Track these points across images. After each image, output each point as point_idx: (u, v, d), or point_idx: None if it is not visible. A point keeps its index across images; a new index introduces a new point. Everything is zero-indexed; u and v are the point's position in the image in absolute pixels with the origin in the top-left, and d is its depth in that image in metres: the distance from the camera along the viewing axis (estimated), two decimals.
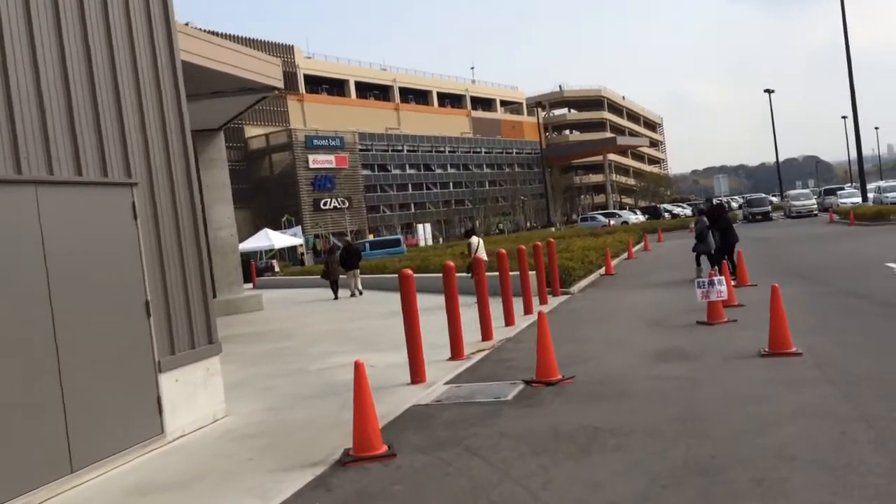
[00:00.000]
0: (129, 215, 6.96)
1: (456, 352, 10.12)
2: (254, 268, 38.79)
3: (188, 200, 7.87)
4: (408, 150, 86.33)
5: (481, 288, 11.71)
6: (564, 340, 10.66)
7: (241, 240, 52.64)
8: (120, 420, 6.59)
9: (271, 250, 46.57)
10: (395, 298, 17.95)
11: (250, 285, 37.20)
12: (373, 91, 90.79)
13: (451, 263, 11.37)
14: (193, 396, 7.49)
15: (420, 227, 66.19)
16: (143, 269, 7.02)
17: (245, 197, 70.60)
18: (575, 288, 17.41)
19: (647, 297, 14.93)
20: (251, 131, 73.18)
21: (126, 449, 6.60)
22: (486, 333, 11.56)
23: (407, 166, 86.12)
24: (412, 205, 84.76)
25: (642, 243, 32.18)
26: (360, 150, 78.27)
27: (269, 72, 16.66)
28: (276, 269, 44.18)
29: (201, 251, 7.92)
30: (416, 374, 8.76)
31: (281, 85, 17.63)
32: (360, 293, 23.24)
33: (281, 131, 72.71)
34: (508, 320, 12.85)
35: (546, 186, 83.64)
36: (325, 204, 72.02)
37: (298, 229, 50.63)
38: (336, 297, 22.90)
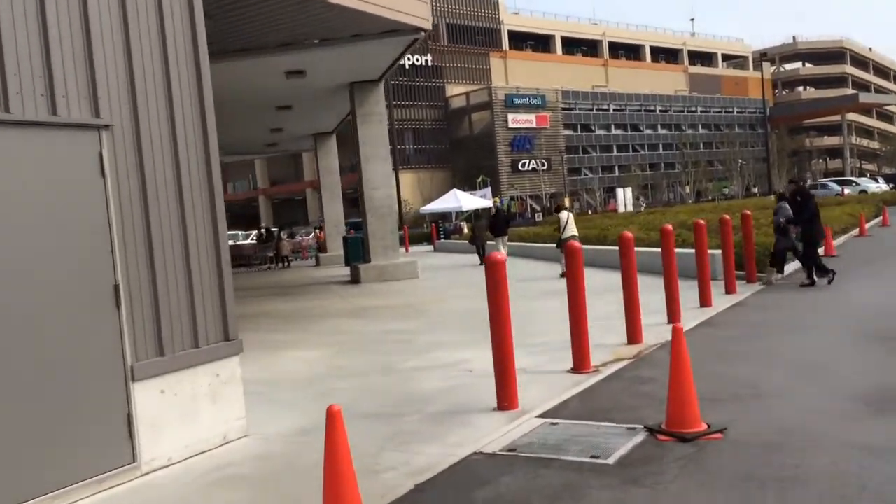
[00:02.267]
0: (93, 170, 5.16)
1: (579, 361, 7.58)
2: (434, 229, 37.63)
3: (200, 149, 5.98)
4: (614, 109, 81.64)
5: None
6: (733, 356, 7.75)
7: (430, 200, 52.20)
8: (70, 446, 4.89)
9: (461, 212, 45.34)
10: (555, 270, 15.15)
11: (431, 247, 36.20)
12: (580, 47, 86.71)
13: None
14: (192, 412, 5.67)
15: (620, 191, 62.11)
16: (112, 244, 5.22)
17: (444, 157, 70.28)
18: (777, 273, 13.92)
19: (873, 295, 11.30)
20: (452, 90, 72.37)
21: (75, 484, 4.89)
22: (633, 334, 8.85)
23: (612, 126, 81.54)
24: (616, 167, 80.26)
25: (880, 217, 26.78)
26: (563, 109, 74.95)
27: (413, 10, 14.62)
28: (465, 231, 42.87)
29: (217, 219, 6.01)
30: (504, 398, 6.38)
31: (429, 26, 15.55)
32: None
33: (481, 89, 71.18)
34: (672, 315, 9.99)
35: (768, 149, 75.56)
36: (523, 165, 69.83)
37: (488, 191, 48.96)
38: (481, 263, 21.57)
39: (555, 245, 17.50)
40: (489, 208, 24.92)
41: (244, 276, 27.43)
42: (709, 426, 5.28)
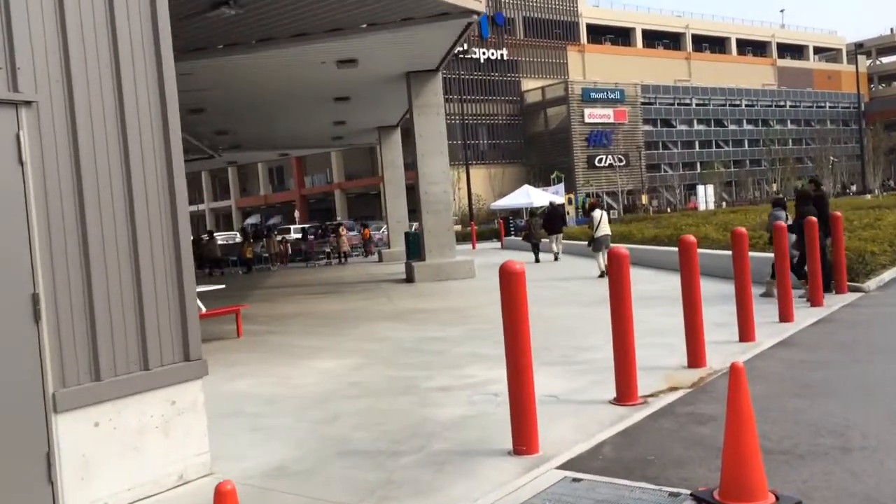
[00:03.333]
0: (8, 155, 4.25)
1: (623, 390, 6.33)
2: (502, 226, 36.42)
3: (158, 132, 5.01)
4: (697, 104, 78.50)
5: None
6: (816, 389, 6.36)
7: (502, 195, 50.93)
8: None
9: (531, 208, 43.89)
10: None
11: (498, 244, 35.06)
12: (661, 40, 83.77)
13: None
14: (137, 448, 4.71)
15: (701, 188, 59.41)
16: (31, 245, 4.31)
17: (518, 152, 68.85)
18: (872, 283, 12.22)
19: None
20: (527, 84, 70.86)
21: None
22: (695, 356, 7.51)
23: (695, 121, 78.43)
24: (697, 164, 77.12)
25: None
26: (642, 103, 72.46)
27: None
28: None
29: (177, 214, 5.05)
30: (520, 439, 5.21)
31: (481, 9, 14.38)
32: (557, 259, 22.42)
33: (557, 84, 69.42)
34: (745, 333, 8.58)
35: (862, 146, 71.15)
36: (599, 161, 67.79)
37: (560, 187, 47.29)
38: (537, 261, 22.20)
39: (586, 243, 18.35)
40: (544, 206, 23.96)
41: (298, 271, 26.88)
42: (777, 498, 3.99)
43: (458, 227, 47.41)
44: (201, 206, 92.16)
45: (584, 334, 9.78)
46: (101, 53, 4.69)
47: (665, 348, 8.38)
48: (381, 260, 28.98)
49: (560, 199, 47.00)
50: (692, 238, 7.72)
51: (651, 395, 6.49)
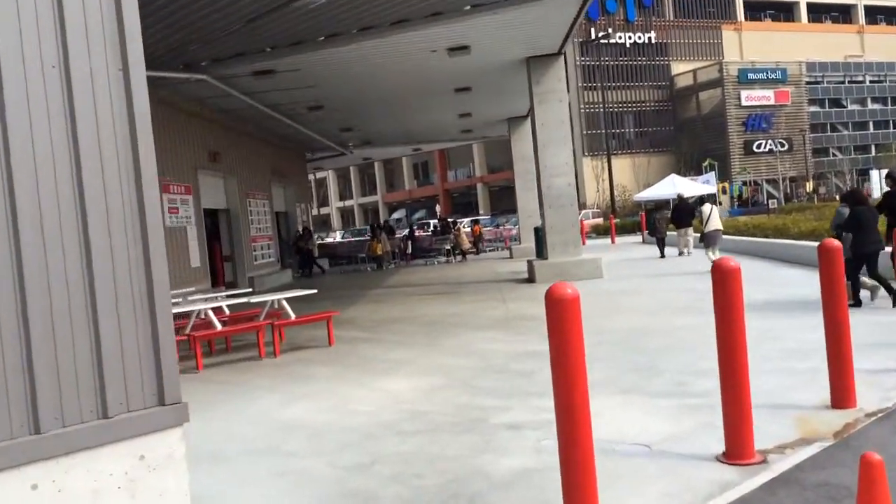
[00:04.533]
0: None
1: (734, 443, 4.88)
2: (643, 218, 34.17)
3: (120, 110, 4.15)
4: (871, 81, 71.53)
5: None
6: None
7: (647, 186, 48.22)
8: None
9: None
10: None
11: (639, 237, 32.97)
12: (829, 13, 76.91)
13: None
14: None
15: (875, 173, 53.75)
16: None
17: (668, 140, 65.35)
18: None
19: None
20: (677, 67, 67.11)
21: None
22: (841, 392, 5.86)
23: (868, 100, 71.53)
24: (871, 147, 70.20)
25: None
26: (807, 82, 66.80)
27: None
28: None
29: (146, 222, 4.15)
30: None
31: None
32: (689, 254, 21.26)
33: (711, 65, 65.24)
34: None
35: None
36: (758, 146, 63.12)
37: (711, 176, 44.13)
38: (662, 256, 21.61)
39: (698, 238, 18.39)
40: (675, 198, 22.09)
41: (420, 270, 26.18)
42: None
43: (600, 221, 45.43)
44: (350, 202, 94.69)
45: (707, 352, 8.21)
46: (47, 44, 3.86)
47: (803, 376, 6.75)
48: (511, 256, 27.82)
49: (711, 188, 43.92)
50: (836, 243, 6.05)
51: (774, 450, 4.99)
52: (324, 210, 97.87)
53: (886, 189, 11.43)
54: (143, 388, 4.08)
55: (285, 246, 27.62)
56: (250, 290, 14.69)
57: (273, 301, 11.31)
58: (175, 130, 17.88)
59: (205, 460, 5.88)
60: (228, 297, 12.74)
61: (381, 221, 41.76)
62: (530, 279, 17.84)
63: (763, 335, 8.77)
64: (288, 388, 8.39)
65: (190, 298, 12.98)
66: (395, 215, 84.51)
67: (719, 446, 5.02)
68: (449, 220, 36.03)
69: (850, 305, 10.24)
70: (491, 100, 23.08)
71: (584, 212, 47.10)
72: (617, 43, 63.90)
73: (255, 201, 23.80)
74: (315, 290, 11.96)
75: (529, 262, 18.39)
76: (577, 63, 61.59)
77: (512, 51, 16.82)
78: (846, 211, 10.55)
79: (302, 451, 5.88)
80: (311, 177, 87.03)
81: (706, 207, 16.84)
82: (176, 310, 11.24)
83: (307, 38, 14.17)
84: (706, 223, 16.46)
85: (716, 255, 16.14)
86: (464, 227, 30.51)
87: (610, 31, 60.57)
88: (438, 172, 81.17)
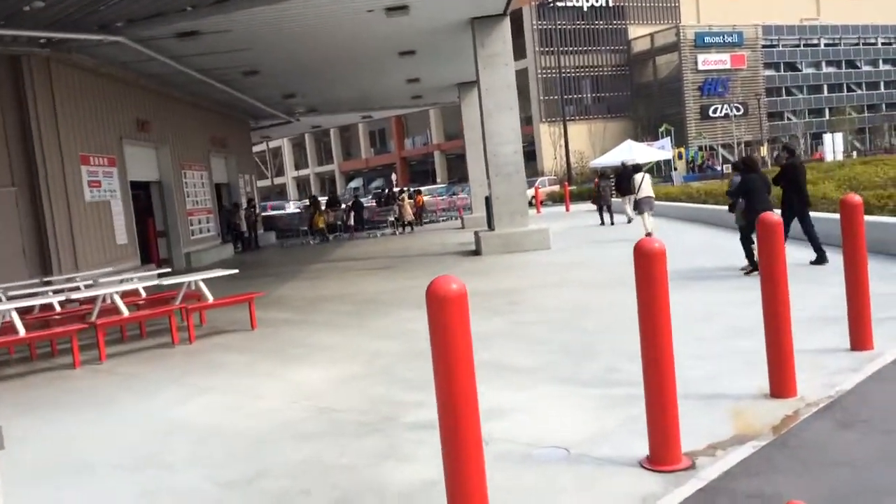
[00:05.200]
0: None
1: (659, 448, 4.29)
2: (597, 186, 33.73)
3: None
4: (826, 44, 71.77)
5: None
6: None
7: (604, 152, 47.80)
8: None
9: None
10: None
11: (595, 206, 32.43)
12: None
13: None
14: None
15: (828, 137, 54.04)
16: None
17: (625, 105, 64.91)
18: None
19: None
20: (634, 31, 66.48)
21: None
22: (780, 381, 5.32)
23: (823, 64, 71.82)
24: (826, 110, 70.65)
25: None
26: (763, 46, 66.73)
27: None
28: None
29: None
30: None
31: None
32: (630, 221, 20.58)
33: (668, 29, 64.74)
34: (859, 339, 6.25)
35: None
36: (714, 111, 63.04)
37: (667, 141, 43.81)
38: (602, 224, 21.69)
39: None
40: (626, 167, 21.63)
41: (359, 243, 25.38)
42: None
43: (557, 188, 44.94)
44: (306, 171, 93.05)
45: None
46: None
47: (742, 360, 6.21)
48: (463, 227, 27.17)
49: (667, 153, 43.67)
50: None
51: (705, 451, 4.42)
52: (279, 180, 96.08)
53: (784, 161, 11.46)
54: None
55: (226, 219, 26.57)
56: (169, 270, 13.76)
57: (189, 282, 10.50)
58: (95, 98, 16.74)
59: (66, 473, 5.16)
60: (142, 278, 11.87)
61: (329, 192, 40.44)
62: (477, 251, 17.21)
63: (701, 313, 8.26)
64: (193, 380, 7.66)
65: (102, 280, 12.09)
66: (352, 184, 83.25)
67: (644, 447, 4.43)
68: (395, 189, 35.12)
69: (748, 272, 10.45)
70: (438, 64, 22.21)
71: (540, 179, 46.56)
72: (574, 6, 63.00)
73: (191, 172, 22.70)
74: (237, 270, 11.15)
75: (476, 234, 17.74)
76: (535, 27, 60.64)
77: (455, 11, 15.97)
78: (738, 179, 10.77)
79: (182, 462, 5.17)
80: (263, 146, 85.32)
81: (638, 176, 17.14)
82: (82, 294, 10.38)
83: None
84: (638, 190, 16.69)
85: (649, 220, 16.40)
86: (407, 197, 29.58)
87: None
88: (395, 140, 79.98)
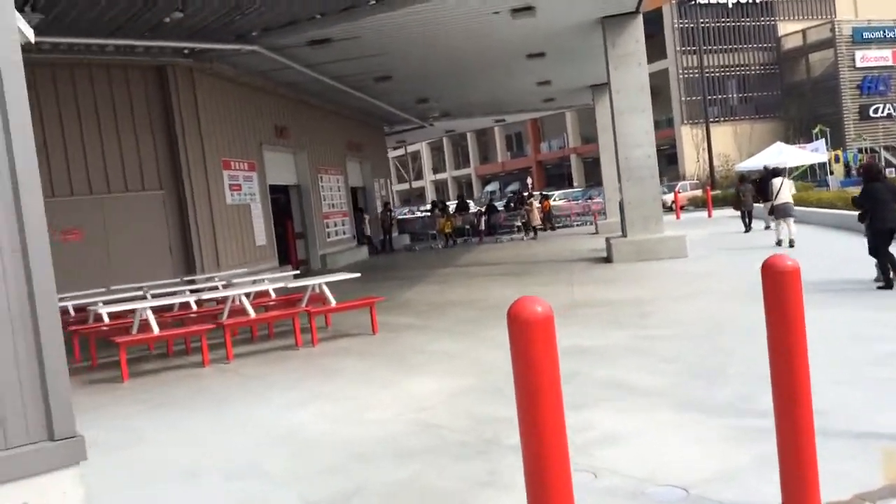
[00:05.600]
0: None
1: (796, 500, 3.75)
2: (709, 196, 32.00)
3: None
4: None
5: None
6: None
7: (751, 155, 45.30)
8: None
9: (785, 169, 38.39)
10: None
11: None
12: None
13: None
14: None
15: None
16: None
17: (773, 106, 61.30)
18: None
19: None
20: (785, 28, 62.68)
21: None
22: None
23: None
24: None
25: None
26: None
27: None
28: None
29: (23, 221, 3.42)
30: None
31: None
32: (768, 228, 19.23)
33: (822, 25, 60.62)
34: None
35: None
36: (875, 111, 58.38)
37: (821, 143, 40.92)
38: (747, 230, 20.53)
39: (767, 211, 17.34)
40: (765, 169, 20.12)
41: (488, 248, 25.09)
42: None
43: (699, 192, 43.03)
44: (443, 175, 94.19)
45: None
46: None
47: None
48: (597, 232, 26.43)
49: (822, 156, 40.84)
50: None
51: (849, 503, 3.84)
52: (419, 183, 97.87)
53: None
54: (26, 420, 3.34)
55: (362, 222, 27.13)
56: (296, 272, 14.02)
57: (314, 285, 10.63)
58: (237, 106, 17.46)
59: (173, 477, 5.20)
60: (273, 279, 12.15)
61: (458, 196, 40.43)
62: (608, 259, 16.59)
63: (843, 333, 7.42)
64: (309, 384, 7.67)
65: (237, 281, 12.50)
66: (488, 188, 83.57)
67: (776, 493, 3.90)
68: (524, 194, 34.64)
69: (880, 287, 9.58)
70: (569, 66, 21.70)
71: (681, 183, 44.82)
72: (718, 3, 60.21)
73: (327, 177, 23.32)
74: (359, 274, 11.20)
75: (608, 240, 17.11)
76: (676, 25, 58.44)
77: (584, 10, 15.48)
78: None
79: (278, 474, 5.10)
80: (403, 150, 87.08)
81: (776, 180, 16.48)
82: (216, 294, 10.74)
83: (358, 3, 13.32)
84: (776, 196, 16.14)
85: (789, 228, 15.88)
86: (536, 202, 29.03)
87: None
88: (531, 144, 79.47)
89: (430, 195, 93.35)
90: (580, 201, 38.74)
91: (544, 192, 36.70)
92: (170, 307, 11.23)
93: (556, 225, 32.51)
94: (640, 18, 16.13)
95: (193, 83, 15.56)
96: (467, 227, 28.88)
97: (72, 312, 11.20)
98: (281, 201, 21.97)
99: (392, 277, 18.06)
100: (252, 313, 9.70)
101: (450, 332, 9.98)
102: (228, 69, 16.74)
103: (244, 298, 9.73)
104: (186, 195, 15.29)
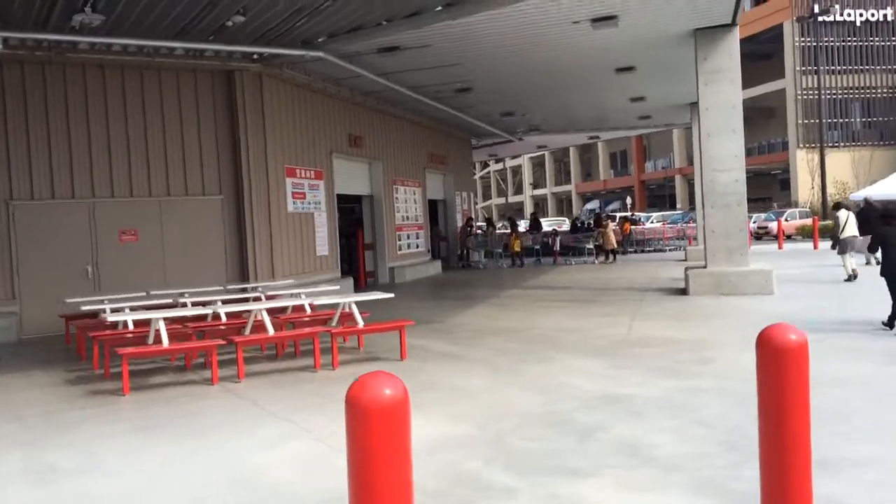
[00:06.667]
0: None
1: None
2: (815, 226, 29.56)
3: None
4: None
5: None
6: None
7: (871, 183, 42.02)
8: None
9: None
10: None
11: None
12: None
13: None
14: None
15: None
16: None
17: None
18: None
19: None
20: None
21: None
22: None
23: None
24: None
25: None
26: None
27: None
28: None
29: None
30: None
31: None
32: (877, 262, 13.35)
33: None
34: None
35: None
36: None
37: None
38: (850, 278, 16.04)
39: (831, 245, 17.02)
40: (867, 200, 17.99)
41: (562, 269, 23.87)
42: None
43: (808, 221, 40.27)
44: (543, 191, 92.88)
45: (864, 425, 5.82)
46: None
47: None
48: (686, 258, 24.88)
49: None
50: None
51: None
52: (517, 198, 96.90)
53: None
54: None
55: (439, 236, 26.52)
56: (332, 288, 13.30)
57: (344, 304, 10.01)
58: (308, 113, 17.18)
59: None
60: (311, 294, 11.62)
61: (530, 215, 39.10)
62: (684, 290, 15.28)
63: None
64: (301, 416, 6.99)
65: (281, 292, 12.07)
66: (588, 206, 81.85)
67: None
68: (602, 214, 33.10)
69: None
70: (662, 82, 20.43)
71: (789, 211, 42.19)
72: (845, 21, 56.60)
73: (403, 188, 22.83)
74: (392, 295, 10.50)
75: (686, 271, 15.79)
76: (797, 44, 55.31)
77: (675, 21, 14.33)
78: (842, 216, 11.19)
79: None
80: (502, 164, 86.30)
81: (842, 213, 16.49)
82: (227, 308, 10.29)
83: (424, 8, 12.69)
84: (842, 230, 16.22)
85: (852, 262, 15.93)
86: (613, 224, 27.56)
87: (837, 6, 53.79)
88: (635, 162, 77.18)
89: (528, 210, 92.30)
90: (678, 225, 36.92)
91: (626, 216, 35.20)
92: (203, 317, 10.86)
93: (647, 249, 30.98)
94: (736, 32, 14.83)
95: (261, 89, 15.34)
96: (536, 247, 27.75)
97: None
98: (355, 211, 21.65)
99: (451, 297, 17.32)
100: (271, 330, 9.15)
101: (483, 363, 9.14)
102: (300, 76, 16.47)
103: (264, 314, 9.20)
104: (245, 201, 15.06)
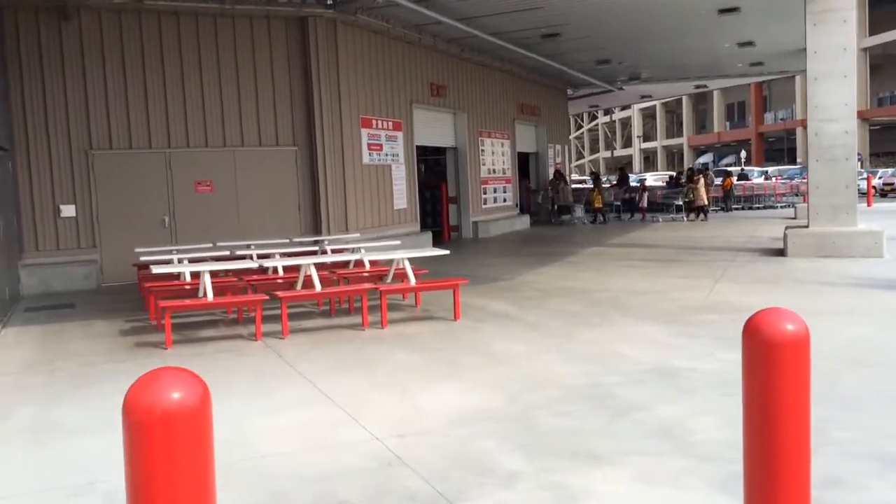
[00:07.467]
0: None
1: None
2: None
3: None
4: None
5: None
6: None
7: None
8: None
9: None
10: None
11: None
12: None
13: None
14: None
15: None
16: None
17: None
18: None
19: None
20: None
21: None
22: None
23: None
24: None
25: None
26: None
27: None
28: None
29: None
30: None
31: None
32: None
33: None
34: None
35: None
36: None
37: None
38: None
39: None
40: None
41: (649, 226, 22.57)
42: None
43: None
44: (653, 144, 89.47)
45: None
46: None
47: None
48: (795, 217, 23.14)
49: None
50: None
51: None
52: (626, 151, 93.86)
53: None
54: None
55: (528, 190, 25.72)
56: (396, 244, 12.91)
57: (398, 260, 9.61)
58: (386, 61, 16.71)
59: (67, 484, 4.40)
60: (371, 249, 11.29)
61: (618, 170, 37.13)
62: (783, 251, 14.07)
63: None
64: (325, 380, 6.63)
65: (348, 246, 11.82)
66: (701, 159, 78.35)
67: None
68: (695, 168, 31.10)
69: None
70: (771, 24, 18.75)
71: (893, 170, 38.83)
72: None
73: (490, 140, 22.13)
74: (447, 252, 10.01)
75: (785, 230, 14.53)
76: None
77: None
78: None
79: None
80: (609, 117, 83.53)
81: None
82: (270, 262, 10.10)
83: None
84: None
85: None
86: (710, 179, 25.75)
87: None
88: (753, 114, 72.92)
89: (638, 165, 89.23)
90: (794, 180, 34.58)
91: (724, 169, 33.19)
92: (264, 270, 10.74)
93: (756, 206, 29.14)
94: None
95: (336, 36, 14.97)
96: (617, 203, 26.42)
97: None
98: (441, 163, 21.19)
99: (528, 253, 16.68)
100: (318, 286, 8.87)
101: (535, 328, 8.56)
102: (376, 22, 15.98)
103: (312, 269, 8.92)
104: (318, 153, 14.83)
